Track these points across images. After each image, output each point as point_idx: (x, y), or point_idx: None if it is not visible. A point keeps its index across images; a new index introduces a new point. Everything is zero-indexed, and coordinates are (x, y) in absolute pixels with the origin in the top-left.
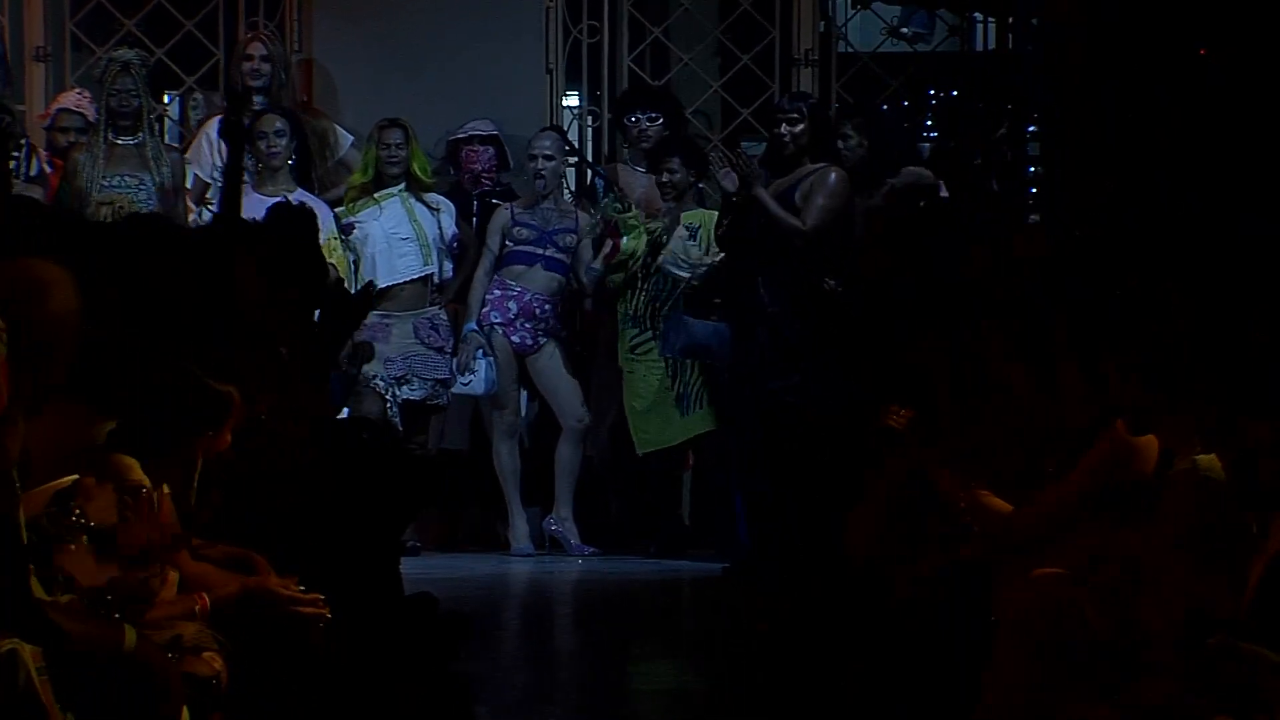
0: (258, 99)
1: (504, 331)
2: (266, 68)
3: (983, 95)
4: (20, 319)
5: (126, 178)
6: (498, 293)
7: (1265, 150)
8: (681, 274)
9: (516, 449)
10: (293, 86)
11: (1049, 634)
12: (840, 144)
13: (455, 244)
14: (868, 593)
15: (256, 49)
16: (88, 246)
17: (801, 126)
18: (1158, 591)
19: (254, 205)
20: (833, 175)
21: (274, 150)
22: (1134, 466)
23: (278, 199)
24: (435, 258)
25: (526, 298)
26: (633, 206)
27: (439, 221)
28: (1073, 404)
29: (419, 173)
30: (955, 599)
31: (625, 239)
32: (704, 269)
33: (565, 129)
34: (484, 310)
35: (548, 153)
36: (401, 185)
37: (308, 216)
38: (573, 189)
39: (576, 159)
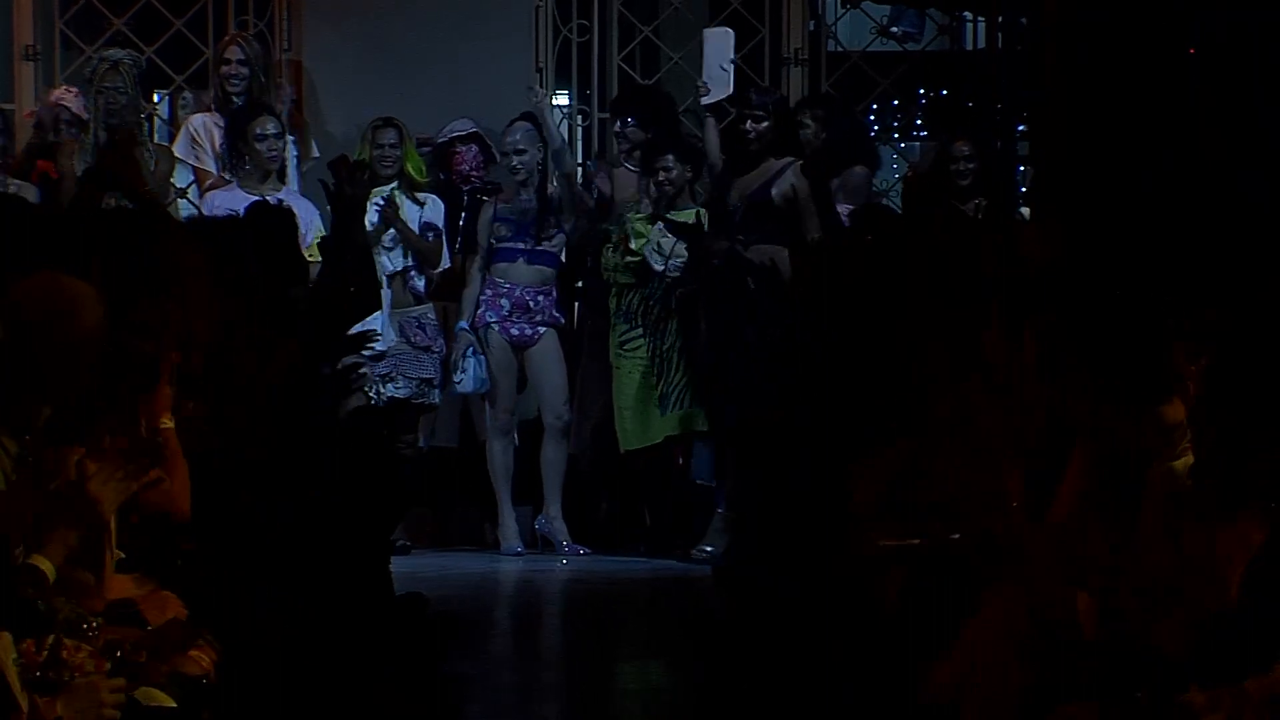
0: (237, 101)
1: (500, 328)
2: (244, 71)
3: (973, 94)
4: (47, 335)
5: None
6: (489, 292)
7: (1260, 155)
8: (656, 266)
9: (510, 447)
10: (275, 88)
11: (1038, 636)
12: (800, 132)
13: (430, 234)
14: (859, 594)
15: (233, 53)
16: (77, 246)
17: (767, 124)
18: (1147, 592)
19: (241, 202)
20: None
21: (273, 153)
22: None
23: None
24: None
25: (517, 292)
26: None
27: (422, 214)
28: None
29: (413, 172)
30: (939, 601)
31: (633, 242)
32: (679, 262)
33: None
34: (478, 311)
35: (519, 146)
36: (394, 185)
37: (285, 215)
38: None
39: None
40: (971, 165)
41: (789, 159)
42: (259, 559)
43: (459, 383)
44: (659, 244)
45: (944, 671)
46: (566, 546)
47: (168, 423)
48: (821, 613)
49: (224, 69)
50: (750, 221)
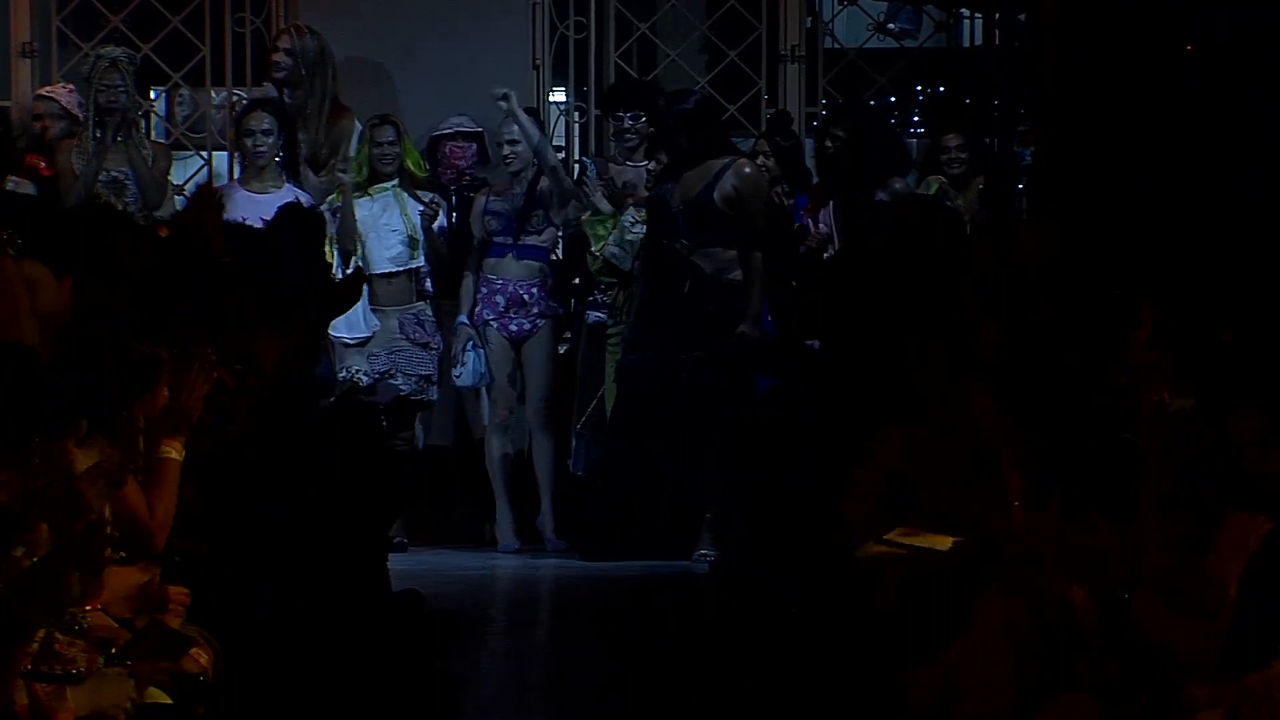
0: (280, 90)
1: (499, 324)
2: (288, 61)
3: (970, 92)
4: (7, 317)
5: (114, 173)
6: (484, 289)
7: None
8: (623, 265)
9: (509, 444)
10: (324, 83)
11: (1038, 636)
12: (828, 144)
13: (442, 238)
14: (858, 594)
15: (283, 42)
16: (75, 243)
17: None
18: (1147, 590)
19: (242, 201)
20: (747, 169)
21: (260, 149)
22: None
23: (266, 195)
24: (422, 252)
25: (510, 287)
26: (602, 203)
27: (424, 211)
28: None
29: (413, 168)
30: (938, 601)
31: (593, 245)
32: None
33: (552, 125)
34: (476, 309)
35: (513, 136)
36: (395, 182)
37: (317, 219)
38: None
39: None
40: (964, 155)
41: (729, 159)
42: (259, 559)
43: (458, 376)
44: (624, 242)
45: (933, 674)
46: (562, 543)
47: (171, 452)
48: (820, 613)
49: (274, 57)
50: (693, 224)
